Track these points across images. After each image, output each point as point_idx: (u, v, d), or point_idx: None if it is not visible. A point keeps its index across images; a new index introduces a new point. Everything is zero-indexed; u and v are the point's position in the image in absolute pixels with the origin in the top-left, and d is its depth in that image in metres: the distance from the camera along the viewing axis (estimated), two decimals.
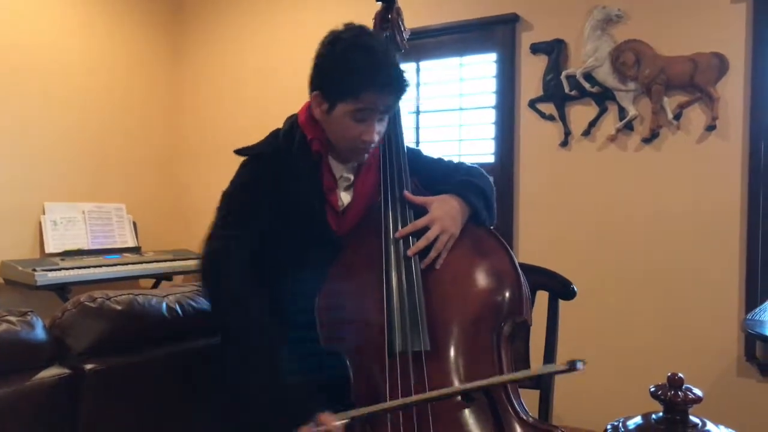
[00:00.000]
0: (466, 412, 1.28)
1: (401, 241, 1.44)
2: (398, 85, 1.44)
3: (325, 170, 1.51)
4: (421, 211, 1.48)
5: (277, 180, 1.48)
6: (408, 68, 3.36)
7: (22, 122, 3.45)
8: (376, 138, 1.46)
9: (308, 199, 1.48)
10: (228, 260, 1.44)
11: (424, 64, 3.41)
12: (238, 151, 1.55)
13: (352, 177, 1.55)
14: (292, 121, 1.56)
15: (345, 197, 1.54)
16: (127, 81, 3.99)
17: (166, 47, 4.22)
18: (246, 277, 1.44)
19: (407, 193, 1.50)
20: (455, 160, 1.72)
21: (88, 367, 1.47)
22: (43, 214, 3.49)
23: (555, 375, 1.10)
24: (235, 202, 1.51)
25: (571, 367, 1.14)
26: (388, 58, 1.45)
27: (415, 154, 1.63)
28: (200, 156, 4.15)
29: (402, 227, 1.45)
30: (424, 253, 1.43)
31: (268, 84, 3.86)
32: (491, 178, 1.66)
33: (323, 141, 1.50)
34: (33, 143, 3.51)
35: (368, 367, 1.35)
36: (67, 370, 1.46)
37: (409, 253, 1.41)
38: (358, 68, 1.40)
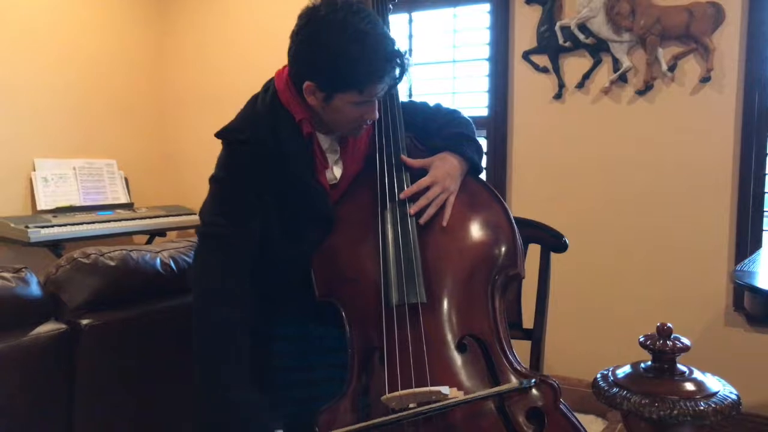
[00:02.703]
0: (460, 360, 1.30)
1: (397, 198, 1.43)
2: (402, 70, 1.36)
3: (317, 149, 1.45)
4: (419, 169, 1.47)
5: (267, 165, 1.41)
6: (400, 19, 3.32)
7: (9, 78, 3.39)
8: (376, 119, 1.43)
9: (305, 180, 1.43)
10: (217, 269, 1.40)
11: (417, 15, 3.35)
12: (219, 134, 1.46)
13: (338, 147, 1.49)
14: (272, 97, 1.44)
15: (336, 170, 1.50)
16: (114, 33, 3.91)
17: None
18: (233, 285, 1.39)
19: (406, 158, 1.47)
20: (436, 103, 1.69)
21: (84, 322, 1.49)
22: (34, 170, 3.46)
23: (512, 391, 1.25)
24: (229, 193, 1.44)
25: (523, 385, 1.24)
26: (386, 42, 1.34)
27: (407, 108, 1.59)
28: (191, 109, 4.10)
29: (398, 184, 1.45)
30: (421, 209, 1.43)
31: (258, 33, 3.79)
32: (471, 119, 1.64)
33: (312, 120, 1.42)
34: (21, 99, 3.45)
35: (364, 320, 1.37)
36: (63, 326, 1.47)
37: (411, 212, 1.41)
38: (356, 62, 1.30)
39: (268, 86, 1.48)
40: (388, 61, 1.33)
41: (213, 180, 1.46)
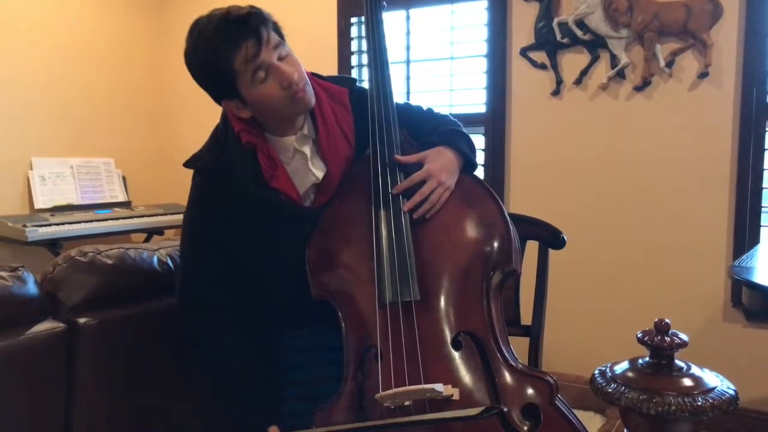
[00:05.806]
0: (455, 357, 1.30)
1: (390, 194, 1.43)
2: (257, 19, 1.35)
3: (262, 158, 1.44)
4: (413, 164, 1.47)
5: (229, 191, 1.44)
6: (397, 16, 3.31)
7: (6, 77, 3.38)
8: (296, 75, 1.38)
9: (255, 193, 1.44)
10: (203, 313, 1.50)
11: (414, 12, 3.34)
12: (186, 164, 1.50)
13: (307, 150, 1.48)
14: (224, 114, 1.49)
15: (316, 171, 1.49)
16: (112, 30, 3.90)
17: None
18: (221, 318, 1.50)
19: (399, 157, 1.46)
20: (441, 111, 1.69)
21: (82, 320, 1.48)
22: (31, 169, 3.46)
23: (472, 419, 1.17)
24: (193, 229, 1.51)
25: (485, 411, 1.18)
26: (223, 16, 1.35)
27: (402, 108, 1.58)
28: (189, 107, 4.09)
29: (391, 181, 1.44)
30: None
31: None
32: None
33: (253, 129, 1.44)
34: (18, 98, 3.44)
35: (360, 318, 1.37)
36: (61, 324, 1.47)
37: (405, 209, 1.40)
38: (208, 51, 1.34)
39: None
40: (230, 29, 1.33)
41: (183, 217, 1.53)
